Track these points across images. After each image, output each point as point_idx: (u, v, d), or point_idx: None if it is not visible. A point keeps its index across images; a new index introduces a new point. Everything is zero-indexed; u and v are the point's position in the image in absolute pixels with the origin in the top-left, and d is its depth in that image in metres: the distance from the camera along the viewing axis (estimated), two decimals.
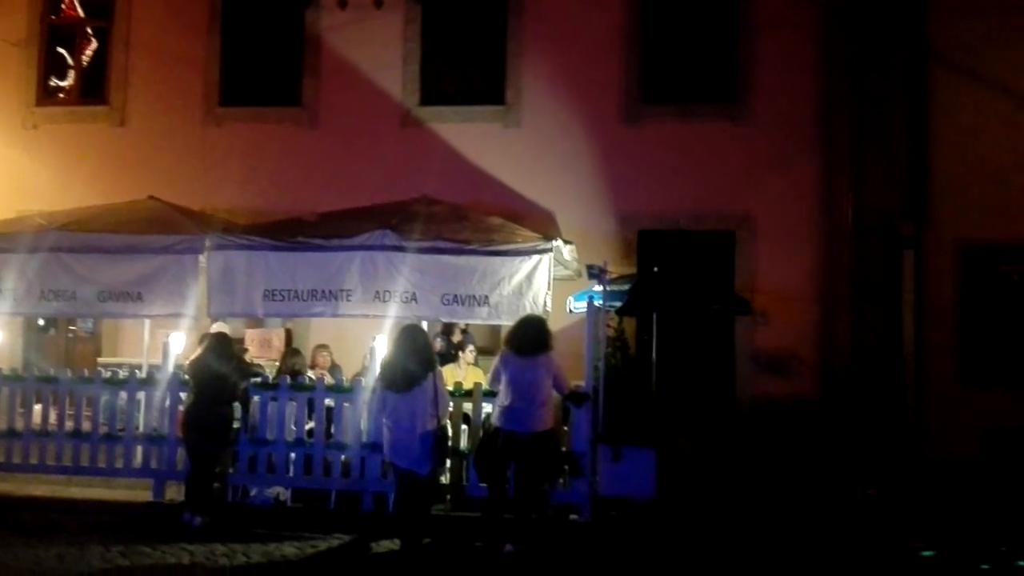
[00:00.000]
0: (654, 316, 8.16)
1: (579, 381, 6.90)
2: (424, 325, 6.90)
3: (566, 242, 7.89)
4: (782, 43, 10.06)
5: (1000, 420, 8.66)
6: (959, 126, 9.61)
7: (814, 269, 9.86)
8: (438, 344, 8.13)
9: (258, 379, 7.12)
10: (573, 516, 6.71)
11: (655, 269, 8.23)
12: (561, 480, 6.82)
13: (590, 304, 7.23)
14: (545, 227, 9.10)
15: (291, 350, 7.98)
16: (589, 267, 7.22)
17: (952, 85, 9.65)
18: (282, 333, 9.05)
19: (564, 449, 6.78)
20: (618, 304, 7.48)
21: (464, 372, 7.80)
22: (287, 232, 7.48)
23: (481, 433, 6.64)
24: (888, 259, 9.52)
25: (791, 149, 10.04)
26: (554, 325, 8.08)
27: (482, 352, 8.77)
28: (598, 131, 10.26)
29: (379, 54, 10.72)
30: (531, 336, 6.13)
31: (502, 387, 6.05)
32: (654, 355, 8.14)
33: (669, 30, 10.42)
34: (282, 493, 7.03)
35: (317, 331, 9.37)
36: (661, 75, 10.40)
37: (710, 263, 9.98)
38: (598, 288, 7.33)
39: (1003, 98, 9.57)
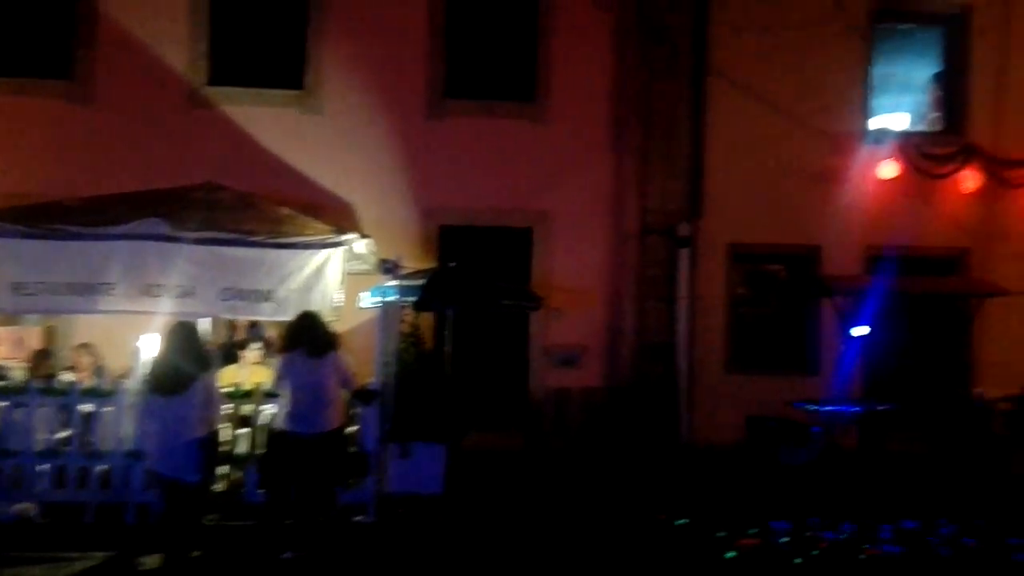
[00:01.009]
0: (449, 311, 8.20)
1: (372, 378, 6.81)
2: (202, 323, 6.48)
3: (362, 236, 7.71)
4: (579, 48, 10.44)
5: (760, 405, 9.53)
6: (734, 136, 10.46)
7: (605, 266, 10.38)
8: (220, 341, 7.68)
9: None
10: (359, 517, 6.59)
11: (451, 264, 8.27)
12: (350, 481, 6.68)
13: (382, 299, 7.13)
14: (342, 219, 8.89)
15: (40, 352, 7.18)
16: (382, 262, 7.12)
17: (729, 97, 10.48)
18: (39, 332, 8.13)
19: (353, 449, 6.65)
20: (413, 299, 7.43)
21: (247, 372, 7.41)
22: (43, 218, 6.69)
23: (262, 437, 6.34)
24: (668, 258, 10.23)
25: (586, 150, 10.47)
26: (346, 321, 7.93)
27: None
28: (401, 123, 10.15)
29: (166, 28, 9.94)
30: (317, 335, 5.93)
31: (286, 389, 5.82)
32: (448, 350, 8.20)
33: (473, 27, 10.50)
34: (30, 509, 6.33)
35: (84, 329, 8.50)
36: (465, 71, 10.47)
37: (509, 259, 10.21)
38: (392, 283, 7.23)
39: (772, 111, 10.52)
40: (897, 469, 8.02)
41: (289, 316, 6.68)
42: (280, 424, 5.83)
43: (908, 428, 8.15)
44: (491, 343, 9.98)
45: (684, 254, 10.26)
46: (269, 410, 6.40)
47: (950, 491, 7.52)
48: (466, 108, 10.33)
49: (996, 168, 10.60)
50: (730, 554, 5.91)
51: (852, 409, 7.94)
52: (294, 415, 5.73)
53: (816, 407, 7.89)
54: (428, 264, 9.27)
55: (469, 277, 7.90)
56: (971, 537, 6.32)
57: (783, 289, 10.94)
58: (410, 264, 8.39)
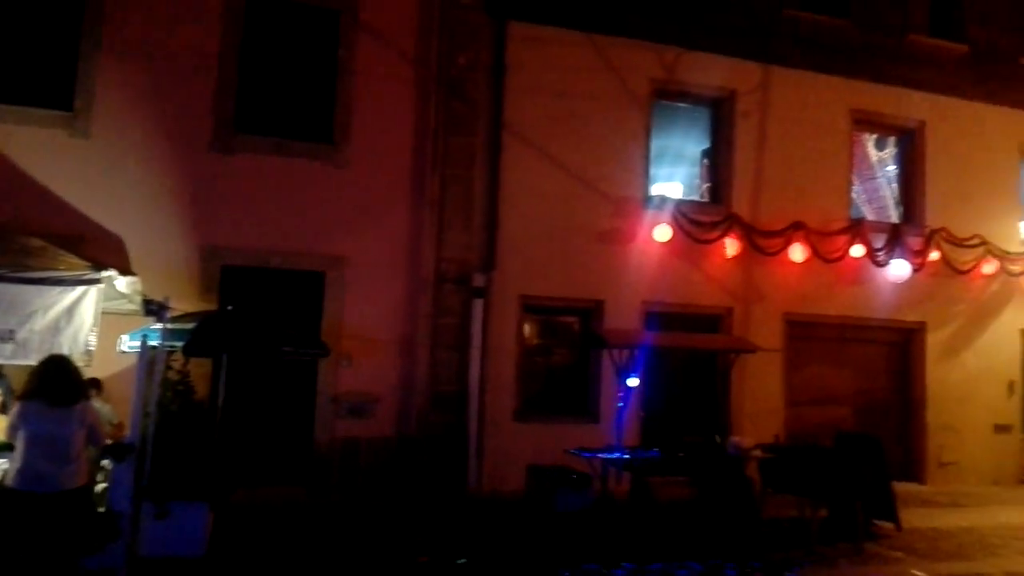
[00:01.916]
0: (223, 358, 7.70)
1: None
2: None
3: (125, 273, 7.08)
4: (380, 93, 10.42)
5: (547, 453, 9.77)
6: (526, 193, 10.87)
7: (399, 314, 10.28)
8: None
9: None
10: None
11: (229, 308, 7.81)
12: (96, 545, 5.97)
13: (144, 344, 6.55)
14: (109, 253, 8.13)
15: None
16: (146, 302, 6.54)
17: (522, 155, 10.92)
18: None
19: (102, 509, 5.97)
20: (180, 344, 6.89)
21: None
22: None
23: None
24: (463, 308, 10.36)
25: (384, 197, 10.40)
26: (108, 367, 7.20)
27: None
28: (183, 154, 9.55)
29: None
30: (63, 383, 5.29)
31: (20, 442, 5.11)
32: (220, 400, 7.68)
33: (271, 60, 10.18)
34: None
35: None
36: (259, 106, 10.08)
37: (299, 303, 9.85)
38: (157, 326, 6.67)
39: (562, 172, 11.08)
40: (664, 514, 8.51)
41: (31, 360, 5.95)
42: (9, 482, 5.10)
43: (676, 474, 8.67)
44: (275, 392, 9.52)
45: (478, 304, 10.44)
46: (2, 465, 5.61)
47: (709, 535, 8.05)
48: (259, 144, 9.93)
49: (754, 237, 11.82)
50: None
51: (624, 456, 8.35)
52: (25, 471, 5.05)
53: (590, 454, 8.22)
54: (207, 306, 8.71)
55: (247, 322, 7.48)
56: None
57: (569, 341, 11.43)
58: (187, 306, 7.87)
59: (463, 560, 6.72)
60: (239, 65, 9.97)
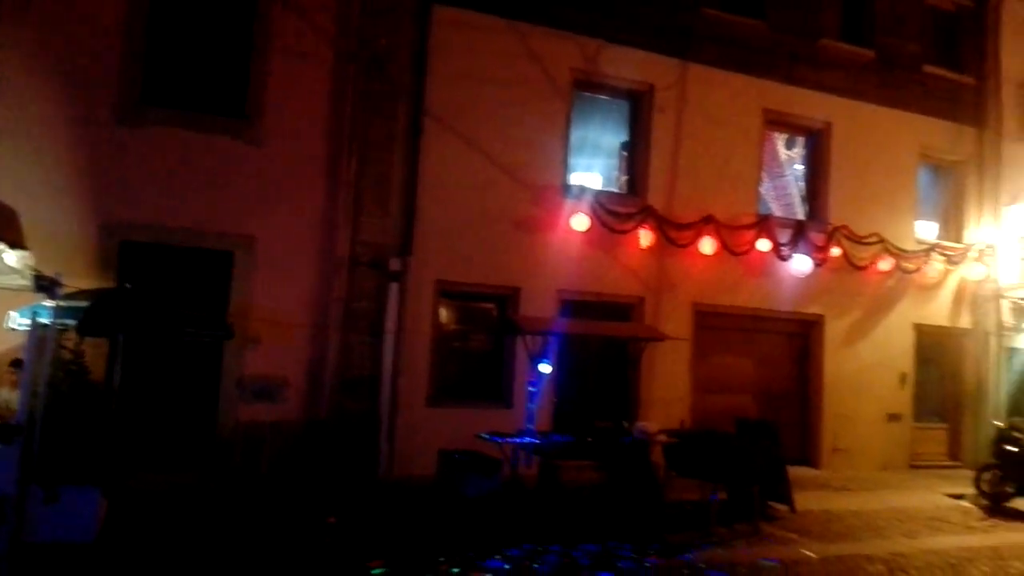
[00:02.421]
0: (120, 338, 7.41)
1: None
2: None
3: (15, 246, 6.71)
4: (298, 71, 10.19)
5: (460, 438, 9.77)
6: (446, 177, 10.83)
7: (311, 296, 10.10)
8: None
9: None
10: None
11: (127, 285, 7.50)
12: None
13: (34, 321, 6.23)
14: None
15: None
16: (37, 278, 6.23)
17: (443, 140, 10.86)
18: None
19: None
20: (73, 322, 6.59)
21: None
22: None
23: None
24: (377, 291, 10.25)
25: (299, 177, 10.19)
26: None
27: None
28: (84, 125, 9.12)
29: None
30: None
31: None
32: (116, 381, 7.39)
33: (183, 30, 9.82)
34: None
35: None
36: (168, 77, 9.72)
37: (205, 283, 9.57)
38: (49, 303, 6.37)
39: (482, 158, 11.08)
40: (572, 498, 8.67)
41: None
42: None
43: (585, 459, 8.83)
44: (177, 374, 9.21)
45: (393, 288, 10.36)
46: None
47: (615, 518, 8.24)
48: (167, 117, 9.56)
49: (668, 229, 12.10)
50: None
51: (534, 441, 8.46)
52: None
53: (501, 439, 8.29)
54: (105, 284, 8.36)
55: (147, 301, 7.21)
56: (627, 560, 6.96)
57: (485, 327, 11.47)
58: (83, 282, 7.53)
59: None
60: (147, 34, 9.57)
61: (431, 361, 10.72)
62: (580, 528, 7.75)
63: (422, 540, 7.19)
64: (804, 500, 9.78)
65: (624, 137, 12.85)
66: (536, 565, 6.63)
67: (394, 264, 10.35)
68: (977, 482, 10.93)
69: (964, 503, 10.79)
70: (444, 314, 11.18)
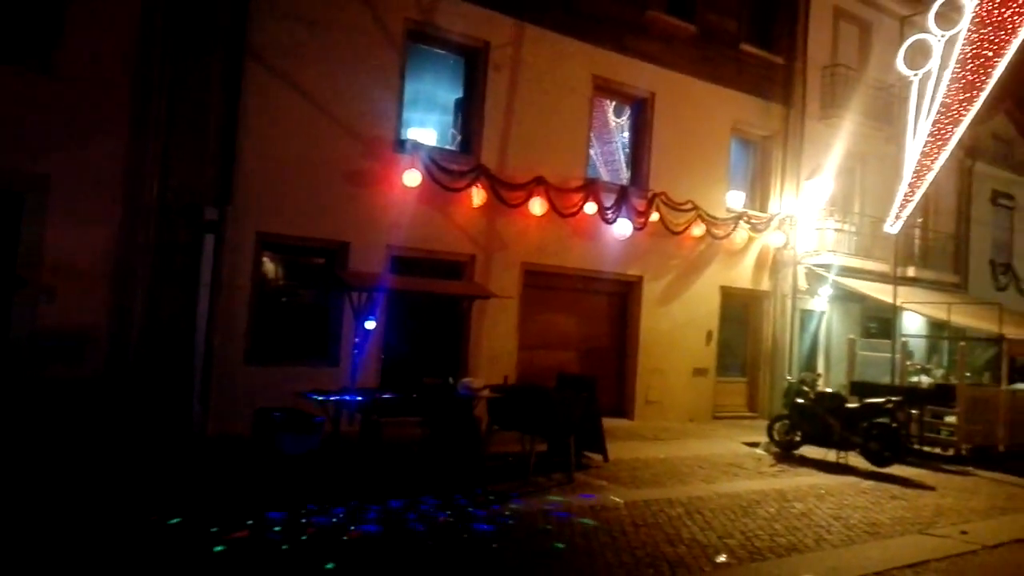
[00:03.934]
0: None
1: None
2: None
3: None
4: (100, 3, 9.24)
5: (282, 395, 9.46)
6: (269, 123, 10.27)
7: (115, 244, 9.32)
8: None
9: None
10: None
11: None
12: None
13: None
14: None
15: None
16: None
17: (266, 84, 10.27)
18: None
19: None
20: None
21: None
22: None
23: None
24: (191, 241, 9.64)
25: (101, 115, 9.28)
26: None
27: None
28: None
29: None
30: None
31: None
32: None
33: None
34: None
35: None
36: None
37: None
38: None
39: (311, 107, 10.62)
40: (395, 454, 8.69)
41: None
42: None
43: (409, 415, 8.85)
44: None
45: (209, 239, 9.77)
46: None
47: (438, 472, 8.36)
48: None
49: (499, 188, 12.23)
50: (219, 548, 5.71)
51: (356, 398, 8.35)
52: None
53: (323, 397, 8.12)
54: None
55: None
56: (447, 512, 7.09)
57: (311, 282, 11.11)
58: None
59: None
60: None
61: (250, 317, 10.26)
62: (401, 483, 7.78)
63: (229, 497, 6.93)
64: (617, 450, 10.38)
65: (459, 94, 12.77)
66: (331, 520, 6.59)
67: (210, 213, 9.74)
68: (770, 431, 12.06)
69: (758, 451, 11.88)
70: (266, 268, 10.72)
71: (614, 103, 14.74)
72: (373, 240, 11.15)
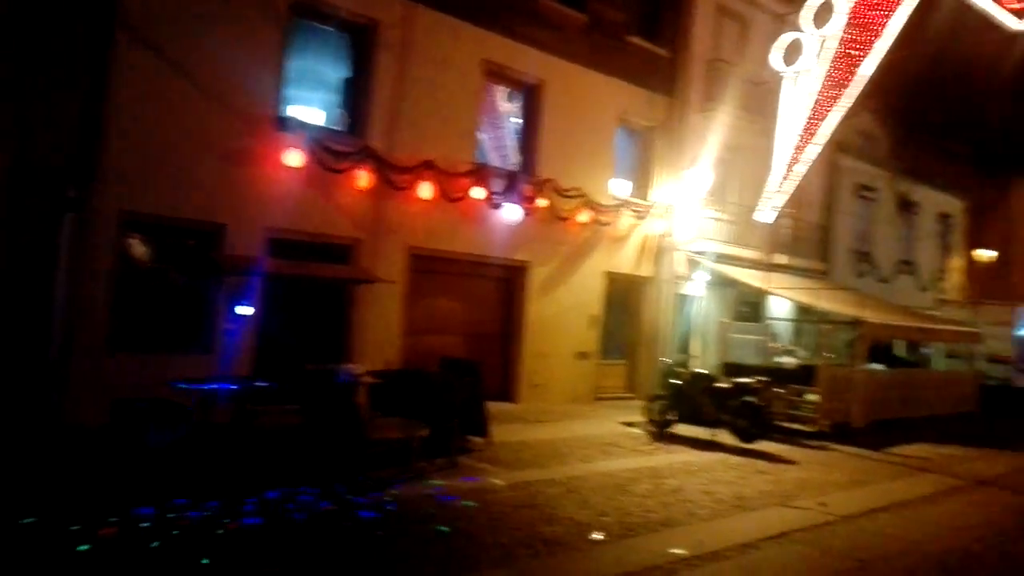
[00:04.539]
0: None
1: None
2: None
3: None
4: None
5: (149, 385, 9.00)
6: (139, 96, 9.71)
7: None
8: None
9: None
10: None
11: None
12: None
13: None
14: None
15: None
16: None
17: (137, 54, 9.69)
18: None
19: None
20: None
21: None
22: None
23: None
24: (50, 220, 9.00)
25: None
26: None
27: None
28: None
29: None
30: None
31: None
32: None
33: None
34: None
35: None
36: None
37: None
38: None
39: (183, 77, 10.08)
40: (272, 443, 8.45)
41: None
42: None
43: (286, 403, 8.62)
44: None
45: (70, 218, 9.15)
46: None
47: (317, 460, 8.18)
48: None
49: (387, 171, 12.05)
50: (84, 547, 5.39)
51: (229, 387, 8.07)
52: None
53: (191, 386, 7.79)
54: None
55: None
56: (328, 501, 6.96)
57: (181, 265, 10.58)
58: None
59: None
60: None
61: (114, 302, 9.67)
62: (278, 473, 7.58)
63: (90, 493, 6.57)
64: (501, 432, 10.50)
65: (346, 73, 12.45)
66: (203, 513, 6.38)
67: (70, 191, 9.12)
68: (647, 411, 12.51)
69: (635, 430, 12.30)
70: (133, 250, 10.11)
71: (505, 89, 14.76)
72: (251, 222, 10.75)
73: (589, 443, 10.92)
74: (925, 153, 27.11)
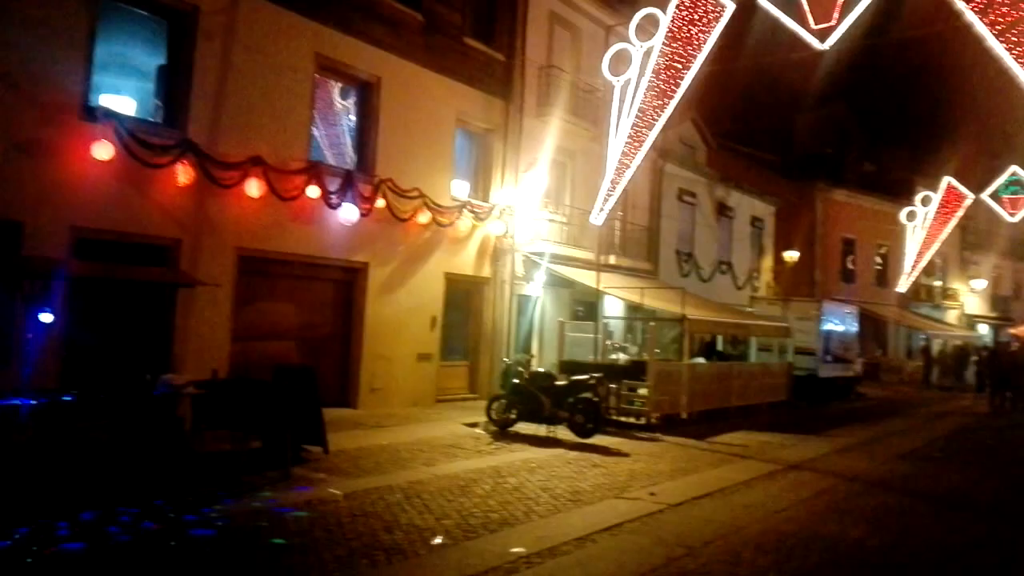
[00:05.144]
0: None
1: None
2: None
3: None
4: None
5: None
6: None
7: None
8: None
9: None
10: None
11: None
12: None
13: None
14: None
15: None
16: None
17: None
18: None
19: None
20: None
21: None
22: None
23: None
24: None
25: None
26: None
27: None
28: None
29: None
30: None
31: None
32: None
33: None
34: None
35: None
36: None
37: None
38: None
39: None
40: (83, 461, 7.64)
41: None
42: None
43: (95, 418, 7.83)
44: None
45: None
46: None
47: (137, 477, 7.51)
48: None
49: (210, 166, 11.31)
50: None
51: (28, 402, 7.22)
52: None
53: None
54: None
55: None
56: (152, 520, 6.40)
57: None
58: None
59: None
60: None
61: None
62: (93, 492, 6.89)
63: None
64: (340, 440, 10.16)
65: (163, 60, 11.58)
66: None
67: None
68: (488, 411, 12.58)
69: (477, 431, 12.34)
70: None
71: (340, 85, 14.34)
72: (53, 220, 9.73)
73: (431, 446, 10.80)
74: (739, 161, 29.39)
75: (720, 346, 19.09)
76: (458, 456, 10.28)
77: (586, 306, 18.71)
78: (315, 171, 12.80)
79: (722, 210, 26.15)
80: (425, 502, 7.68)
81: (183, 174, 10.99)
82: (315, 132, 13.65)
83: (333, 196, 12.99)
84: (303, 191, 12.54)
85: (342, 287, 14.00)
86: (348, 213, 13.20)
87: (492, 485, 8.62)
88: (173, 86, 11.47)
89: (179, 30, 11.48)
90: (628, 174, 14.93)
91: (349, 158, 14.25)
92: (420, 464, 9.61)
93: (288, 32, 12.60)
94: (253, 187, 11.83)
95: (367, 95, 14.33)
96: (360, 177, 13.69)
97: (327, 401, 10.48)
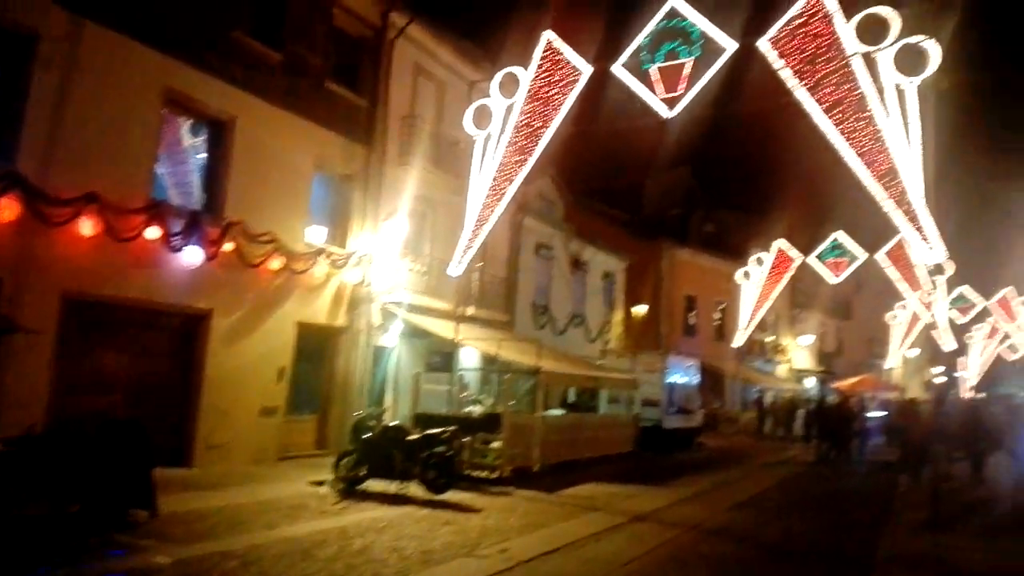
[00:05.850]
0: None
1: None
2: None
3: None
4: None
5: None
6: None
7: None
8: None
9: None
10: None
11: None
12: None
13: None
14: None
15: None
16: None
17: None
18: None
19: None
20: None
21: None
22: None
23: None
24: None
25: None
26: None
27: None
28: None
29: None
30: None
31: None
32: None
33: None
34: None
35: None
36: None
37: None
38: None
39: None
40: None
41: None
42: None
43: None
44: None
45: None
46: None
47: None
48: None
49: (38, 202, 10.43)
50: None
51: None
52: None
53: None
54: None
55: None
56: None
57: None
58: None
59: None
60: None
61: None
62: None
63: None
64: (172, 502, 9.42)
65: None
66: None
67: None
68: (336, 468, 12.08)
69: (323, 489, 11.79)
70: None
71: (191, 121, 13.68)
72: None
73: (273, 507, 10.22)
74: (594, 218, 30.61)
75: (572, 398, 19.50)
76: (301, 517, 9.79)
77: (443, 357, 18.59)
78: (157, 211, 12.06)
79: (577, 264, 27.01)
80: (263, 569, 7.24)
81: (7, 209, 10.05)
82: (160, 170, 12.92)
83: (176, 238, 12.28)
84: (142, 232, 11.77)
85: (181, 336, 13.14)
86: (192, 256, 12.50)
87: (337, 548, 8.26)
88: (2, 115, 10.54)
89: (14, 56, 10.63)
90: (488, 227, 15.12)
91: (197, 199, 13.56)
92: (260, 527, 9.06)
93: (134, 64, 11.95)
94: (86, 226, 10.98)
95: (220, 134, 13.77)
96: (207, 219, 13.04)
97: (160, 459, 9.72)
